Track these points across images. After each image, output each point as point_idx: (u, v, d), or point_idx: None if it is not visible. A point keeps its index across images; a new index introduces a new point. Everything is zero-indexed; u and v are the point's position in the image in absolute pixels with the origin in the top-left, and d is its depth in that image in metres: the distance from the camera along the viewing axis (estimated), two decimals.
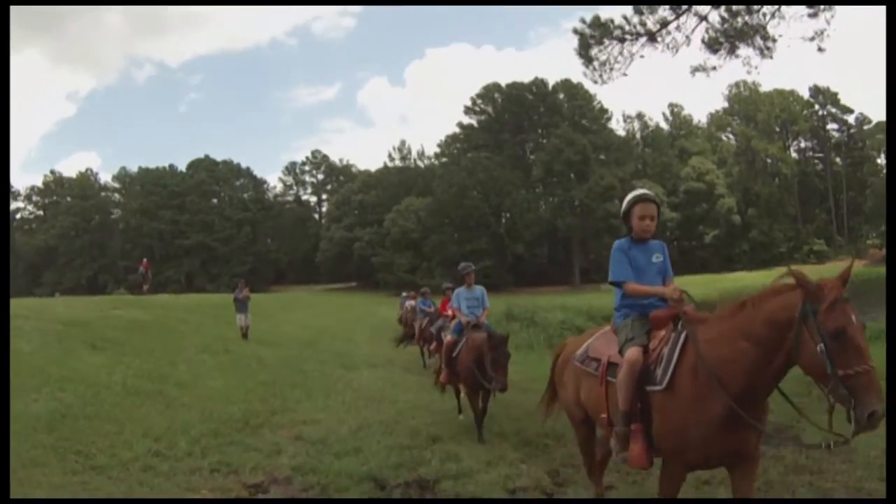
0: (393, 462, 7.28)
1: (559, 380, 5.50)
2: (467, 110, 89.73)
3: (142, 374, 11.48)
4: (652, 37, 12.54)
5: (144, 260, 42.78)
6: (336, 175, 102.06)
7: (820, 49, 12.52)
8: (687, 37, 12.71)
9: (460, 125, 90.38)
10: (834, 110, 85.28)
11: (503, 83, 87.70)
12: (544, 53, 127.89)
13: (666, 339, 4.25)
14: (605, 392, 4.55)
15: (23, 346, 11.71)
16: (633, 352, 4.30)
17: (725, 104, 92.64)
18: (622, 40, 12.63)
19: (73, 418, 7.94)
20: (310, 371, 15.44)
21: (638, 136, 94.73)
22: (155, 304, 26.85)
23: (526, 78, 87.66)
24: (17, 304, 19.12)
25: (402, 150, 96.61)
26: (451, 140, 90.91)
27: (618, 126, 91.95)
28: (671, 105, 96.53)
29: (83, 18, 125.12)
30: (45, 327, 14.56)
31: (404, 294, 28.57)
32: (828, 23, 12.35)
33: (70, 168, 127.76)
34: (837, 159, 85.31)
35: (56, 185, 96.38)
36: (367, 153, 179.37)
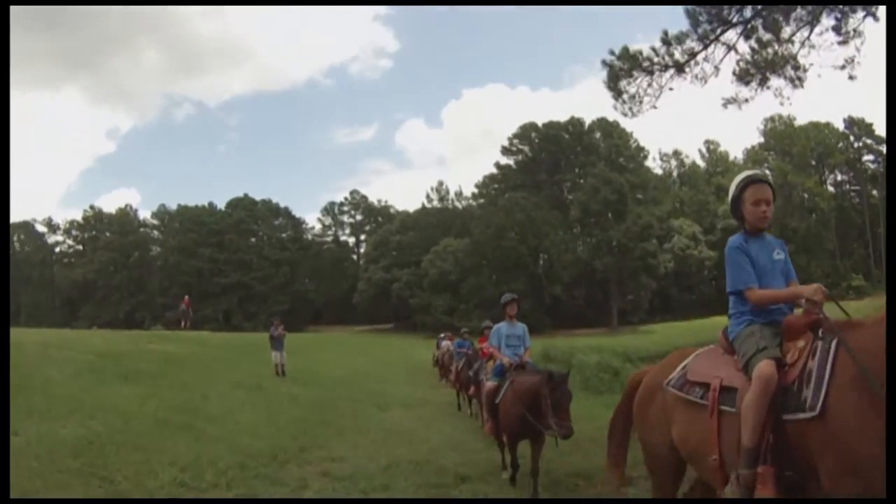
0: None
1: (642, 418, 4.41)
2: (504, 150, 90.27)
3: (173, 407, 11.51)
4: (680, 68, 12.50)
5: (186, 297, 43.11)
6: (374, 216, 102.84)
7: (851, 77, 12.41)
8: (716, 67, 12.69)
9: (497, 165, 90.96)
10: (869, 141, 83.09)
11: (540, 123, 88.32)
12: (579, 93, 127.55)
13: (810, 350, 3.35)
14: (716, 425, 3.62)
15: (54, 374, 11.87)
16: (766, 365, 3.39)
17: (761, 139, 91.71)
18: (651, 72, 12.57)
19: (100, 445, 7.98)
20: (342, 410, 15.35)
21: (675, 174, 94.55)
22: (191, 339, 27.08)
23: (562, 117, 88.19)
24: (52, 335, 19.47)
25: (440, 190, 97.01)
26: (488, 181, 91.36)
27: (654, 164, 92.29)
28: (707, 142, 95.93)
29: (121, 56, 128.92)
30: (79, 357, 14.75)
31: (442, 335, 28.23)
32: (858, 50, 12.22)
33: (110, 204, 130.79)
34: (874, 192, 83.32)
35: (95, 221, 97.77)
36: (405, 194, 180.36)
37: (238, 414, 12.50)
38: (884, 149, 79.36)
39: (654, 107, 12.91)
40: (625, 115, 13.22)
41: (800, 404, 3.21)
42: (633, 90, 12.76)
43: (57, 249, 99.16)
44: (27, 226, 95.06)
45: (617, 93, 12.93)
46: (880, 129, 79.77)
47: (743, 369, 3.60)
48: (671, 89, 12.69)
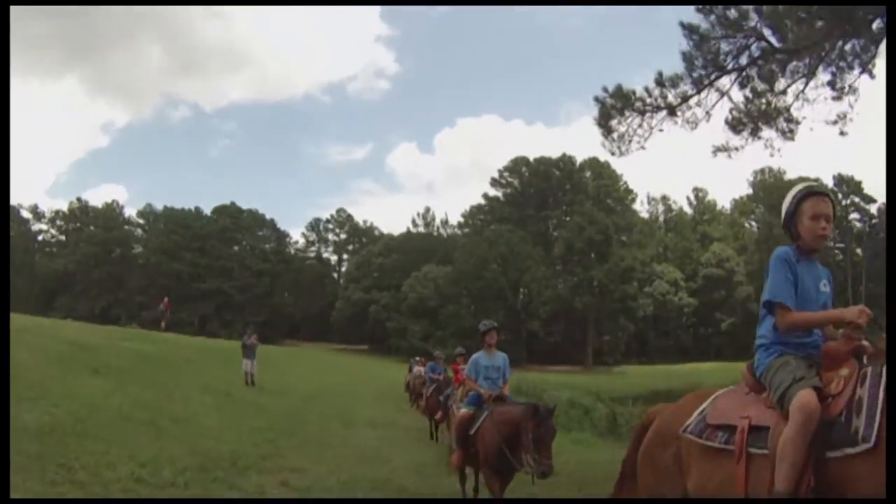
0: None
1: (650, 466, 3.83)
2: (494, 182, 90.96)
3: (138, 403, 11.50)
4: (672, 111, 12.65)
5: (166, 299, 42.97)
6: (359, 236, 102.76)
7: (842, 133, 12.59)
8: (707, 112, 12.80)
9: (486, 196, 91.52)
10: (857, 200, 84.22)
11: (531, 157, 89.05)
12: (573, 130, 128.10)
13: (856, 378, 2.97)
14: (744, 471, 3.15)
15: (26, 359, 11.83)
16: (808, 395, 2.97)
17: (750, 191, 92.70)
18: (642, 112, 12.72)
19: (61, 433, 7.99)
20: (308, 423, 15.34)
21: (661, 218, 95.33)
22: (164, 340, 26.98)
23: (554, 153, 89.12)
24: (27, 321, 19.34)
25: (427, 216, 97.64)
26: (475, 211, 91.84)
27: (642, 208, 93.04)
28: (696, 189, 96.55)
29: (124, 50, 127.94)
30: (51, 346, 14.74)
31: (415, 359, 28.07)
32: (851, 106, 12.42)
33: (97, 198, 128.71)
34: (858, 250, 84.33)
35: (81, 213, 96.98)
36: (391, 217, 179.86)
37: (203, 417, 12.50)
38: (871, 208, 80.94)
39: (643, 147, 12.97)
40: (612, 153, 13.26)
41: (850, 437, 2.81)
42: (622, 129, 12.88)
43: (40, 238, 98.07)
44: (12, 211, 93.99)
45: (607, 130, 13.01)
46: (868, 188, 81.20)
47: (777, 404, 3.16)
48: (661, 130, 12.80)
